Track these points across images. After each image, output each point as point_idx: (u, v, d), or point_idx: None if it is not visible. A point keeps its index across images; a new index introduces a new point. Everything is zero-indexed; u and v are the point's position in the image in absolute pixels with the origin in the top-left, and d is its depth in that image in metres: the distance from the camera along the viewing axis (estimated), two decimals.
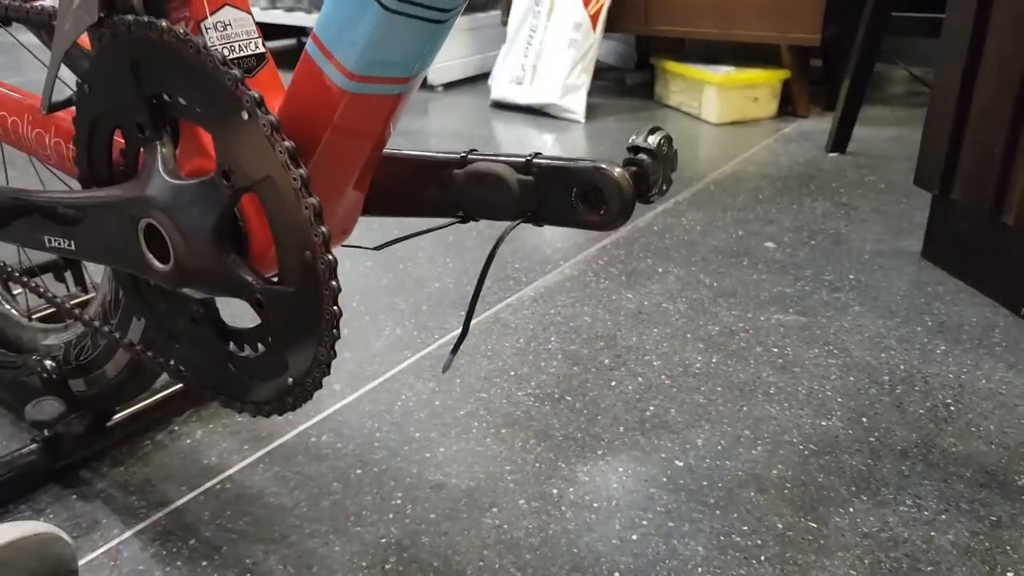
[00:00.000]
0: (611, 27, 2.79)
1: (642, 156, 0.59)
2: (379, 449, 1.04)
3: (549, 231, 1.72)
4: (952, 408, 1.10)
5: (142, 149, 0.62)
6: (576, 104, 2.66)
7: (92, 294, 1.20)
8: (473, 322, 1.35)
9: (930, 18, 1.87)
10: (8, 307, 1.11)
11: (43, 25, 0.75)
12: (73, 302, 0.99)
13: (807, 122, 2.60)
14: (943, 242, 1.53)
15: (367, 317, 1.38)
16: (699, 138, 2.50)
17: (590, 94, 2.71)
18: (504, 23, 2.94)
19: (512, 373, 1.20)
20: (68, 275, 1.26)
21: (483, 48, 3.20)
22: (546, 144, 2.44)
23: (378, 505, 0.95)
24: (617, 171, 0.57)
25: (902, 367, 1.20)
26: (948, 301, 1.40)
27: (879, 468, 0.99)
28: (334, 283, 0.54)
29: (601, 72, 3.03)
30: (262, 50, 0.62)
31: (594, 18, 2.68)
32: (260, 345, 0.64)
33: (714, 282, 1.49)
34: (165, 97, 0.58)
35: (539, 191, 0.59)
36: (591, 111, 2.69)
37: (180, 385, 1.07)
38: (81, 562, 0.85)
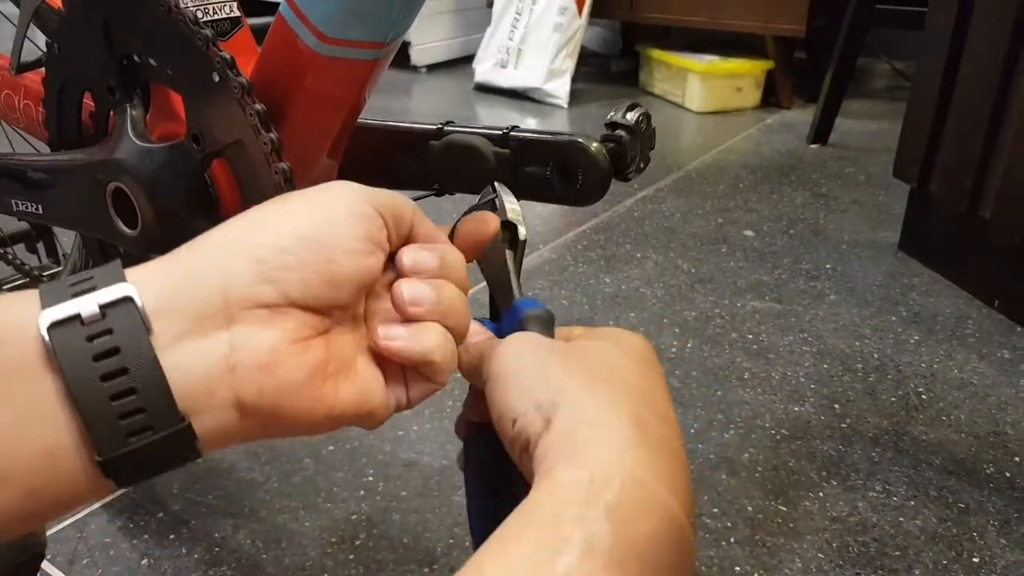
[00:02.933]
0: (597, 13, 2.78)
1: (620, 132, 0.58)
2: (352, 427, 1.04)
3: (529, 214, 1.70)
4: (924, 397, 1.11)
5: (112, 112, 0.61)
6: (560, 89, 2.65)
7: (64, 266, 1.18)
8: None
9: (913, 11, 1.87)
10: None
11: None
12: (45, 273, 0.98)
13: (789, 113, 2.61)
14: (920, 234, 1.54)
15: None
16: (682, 126, 2.50)
17: (574, 80, 2.70)
18: (489, 5, 2.92)
19: None
20: (40, 246, 1.24)
21: (468, 30, 3.18)
22: None
23: (350, 482, 0.94)
24: (594, 146, 0.56)
25: (876, 356, 1.21)
26: (923, 292, 1.41)
27: (850, 454, 1.00)
28: None
29: (586, 58, 3.02)
30: (237, 14, 0.61)
31: (580, 3, 2.67)
32: None
33: (692, 268, 1.49)
34: (136, 59, 0.57)
35: (515, 164, 0.59)
36: (575, 97, 2.68)
37: None
38: (48, 533, 0.84)
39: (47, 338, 0.29)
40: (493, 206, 0.44)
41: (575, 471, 0.30)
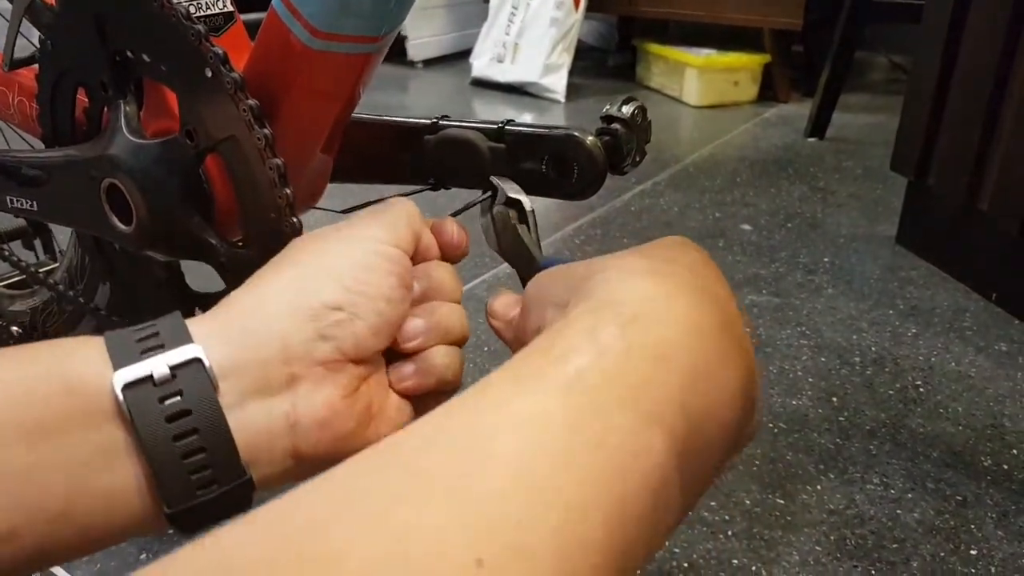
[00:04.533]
0: (593, 7, 2.78)
1: (615, 126, 0.58)
2: None
3: None
4: (921, 390, 1.11)
5: (106, 108, 0.60)
6: (557, 83, 2.65)
7: (60, 262, 1.18)
8: None
9: (910, 4, 1.87)
10: None
11: None
12: (41, 270, 0.97)
13: (787, 107, 2.60)
14: (918, 228, 1.54)
15: None
16: (679, 120, 2.49)
17: (571, 74, 2.70)
18: (485, 0, 2.91)
19: (486, 349, 1.19)
20: (37, 243, 1.23)
21: (464, 25, 3.17)
22: None
23: None
24: (590, 139, 0.56)
25: (873, 349, 1.21)
26: (921, 285, 1.41)
27: (847, 447, 1.00)
28: None
29: (583, 52, 3.01)
30: (230, 9, 0.60)
31: None
32: None
33: None
34: (129, 54, 0.57)
35: (511, 159, 0.59)
36: (572, 91, 2.67)
37: None
38: None
39: (122, 398, 0.30)
40: (493, 201, 0.45)
41: (583, 304, 0.30)
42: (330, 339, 0.34)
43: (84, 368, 0.31)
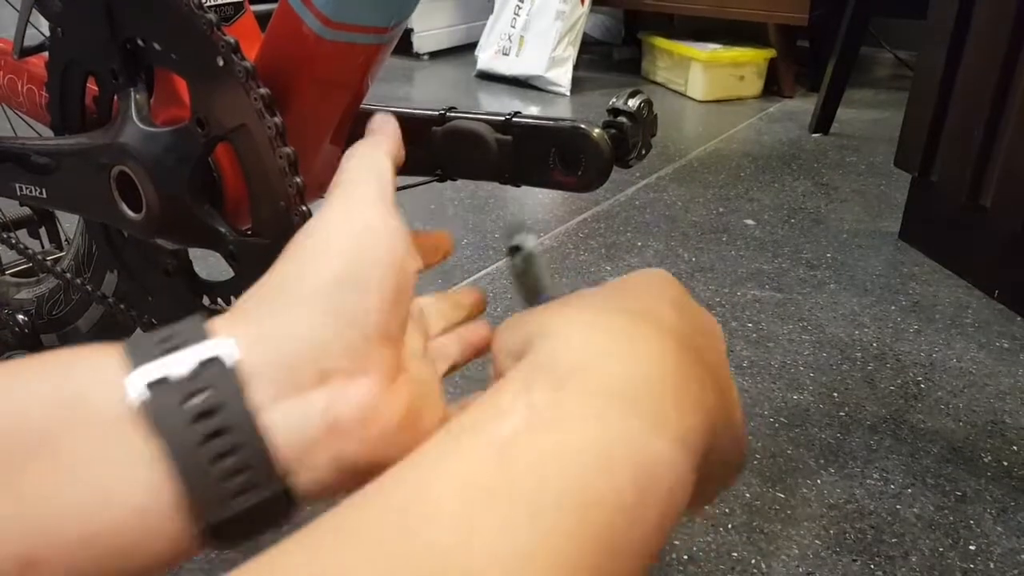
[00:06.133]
0: (599, 0, 2.77)
1: (621, 119, 0.59)
2: None
3: (530, 201, 1.71)
4: (922, 385, 1.12)
5: (116, 96, 0.61)
6: (562, 77, 2.65)
7: (66, 251, 1.18)
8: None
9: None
10: None
11: None
12: (48, 258, 0.98)
13: (791, 102, 2.60)
14: (921, 224, 1.54)
15: None
16: (684, 115, 2.49)
17: (576, 67, 2.70)
18: None
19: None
20: (43, 231, 1.24)
21: (470, 17, 3.17)
22: None
23: None
24: (596, 132, 0.57)
25: (875, 344, 1.21)
26: (923, 281, 1.41)
27: (848, 442, 1.00)
28: None
29: (588, 46, 3.01)
30: None
31: None
32: (233, 298, 0.64)
33: (693, 257, 1.49)
34: (139, 43, 0.57)
35: (517, 150, 0.59)
36: (577, 84, 2.67)
37: None
38: None
39: (142, 398, 0.28)
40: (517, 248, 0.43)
41: (523, 361, 0.30)
42: (351, 322, 0.31)
43: (100, 374, 0.28)
